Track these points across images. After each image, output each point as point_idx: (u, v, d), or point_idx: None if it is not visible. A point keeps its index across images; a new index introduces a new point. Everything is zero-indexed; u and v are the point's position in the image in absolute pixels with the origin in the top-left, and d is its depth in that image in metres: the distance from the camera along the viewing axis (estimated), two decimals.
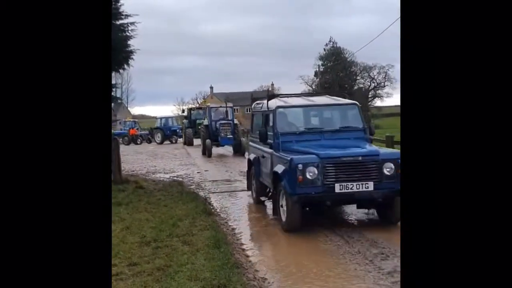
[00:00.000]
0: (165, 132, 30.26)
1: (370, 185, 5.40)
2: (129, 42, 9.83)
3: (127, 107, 66.14)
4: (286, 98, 7.34)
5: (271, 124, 6.54)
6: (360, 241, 5.17)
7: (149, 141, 31.01)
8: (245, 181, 10.38)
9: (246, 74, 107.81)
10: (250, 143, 8.20)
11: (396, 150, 6.46)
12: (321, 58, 51.67)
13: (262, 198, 7.45)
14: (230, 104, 19.91)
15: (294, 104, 6.90)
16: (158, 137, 30.25)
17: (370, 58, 72.06)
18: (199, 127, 21.17)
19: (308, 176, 5.29)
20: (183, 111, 30.19)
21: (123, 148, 16.87)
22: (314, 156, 5.46)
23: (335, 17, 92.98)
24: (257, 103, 7.91)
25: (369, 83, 53.20)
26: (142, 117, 69.81)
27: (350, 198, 5.58)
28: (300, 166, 5.30)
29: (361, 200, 5.73)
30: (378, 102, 54.65)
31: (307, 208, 5.97)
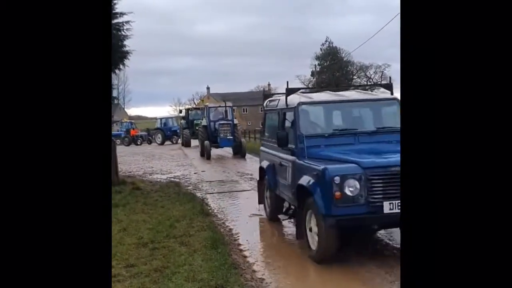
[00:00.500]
0: (165, 132, 30.15)
1: None
2: (124, 43, 9.82)
3: (123, 108, 66.07)
4: (308, 93, 6.16)
5: (287, 124, 5.46)
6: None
7: (150, 142, 30.93)
8: (243, 182, 10.33)
9: (243, 74, 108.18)
10: (262, 148, 6.90)
11: None
12: (317, 58, 51.83)
13: (281, 217, 6.39)
14: (229, 104, 19.06)
15: (321, 99, 5.63)
16: (158, 137, 30.11)
17: (366, 58, 72.23)
18: (197, 128, 20.70)
19: (348, 192, 4.10)
20: (180, 111, 30.00)
21: (119, 149, 16.84)
22: (354, 165, 4.25)
23: (332, 17, 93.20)
24: (271, 100, 6.68)
25: (365, 83, 53.30)
26: (139, 118, 69.78)
27: None
28: (336, 178, 4.10)
29: None
30: None
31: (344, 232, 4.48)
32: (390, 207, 4.13)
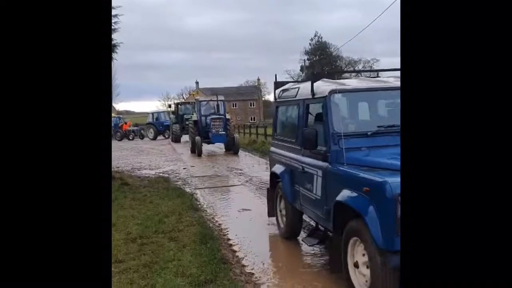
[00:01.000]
0: (157, 127, 29.62)
1: None
2: (112, 36, 9.70)
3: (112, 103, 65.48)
4: (336, 80, 4.72)
5: (311, 119, 4.36)
6: None
7: (142, 137, 30.39)
8: (232, 177, 10.26)
9: (232, 69, 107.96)
10: (274, 148, 5.61)
11: None
12: (306, 52, 51.99)
13: (306, 242, 4.69)
14: (221, 97, 17.66)
15: (359, 87, 4.17)
16: (150, 132, 29.43)
17: (355, 53, 72.59)
18: (187, 123, 19.35)
19: None
20: (169, 106, 29.41)
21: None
22: None
23: (320, 12, 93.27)
24: (285, 90, 5.32)
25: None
26: (127, 112, 69.36)
27: None
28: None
29: None
30: None
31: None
32: None
